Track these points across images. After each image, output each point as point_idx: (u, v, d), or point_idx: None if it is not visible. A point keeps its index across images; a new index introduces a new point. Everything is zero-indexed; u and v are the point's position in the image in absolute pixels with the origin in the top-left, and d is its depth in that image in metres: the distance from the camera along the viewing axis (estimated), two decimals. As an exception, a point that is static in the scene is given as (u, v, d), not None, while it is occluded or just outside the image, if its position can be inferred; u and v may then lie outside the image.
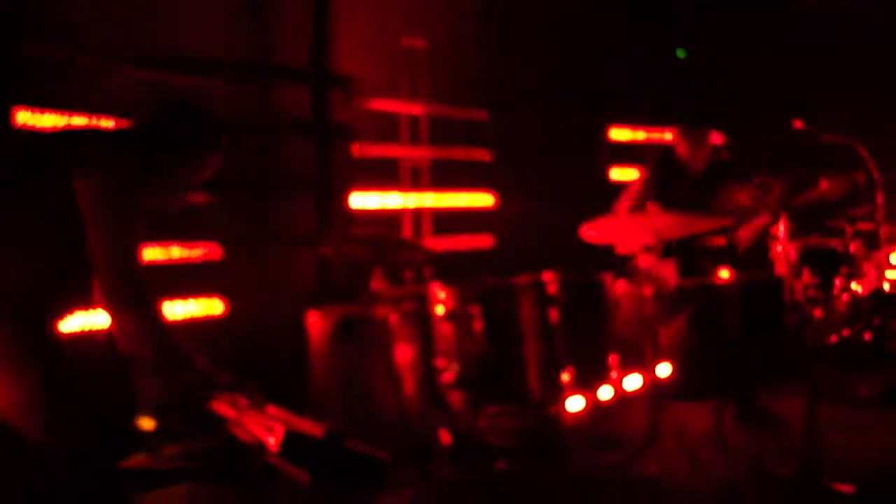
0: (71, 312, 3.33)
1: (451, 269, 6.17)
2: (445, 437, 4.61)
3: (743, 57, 8.67)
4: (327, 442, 2.84)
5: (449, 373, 4.39)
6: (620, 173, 8.53)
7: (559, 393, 4.33)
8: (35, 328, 3.16)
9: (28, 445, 3.04)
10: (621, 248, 5.96)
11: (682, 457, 4.64)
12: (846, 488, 4.18)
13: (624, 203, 6.08)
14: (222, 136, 3.52)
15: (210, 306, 5.89)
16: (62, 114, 5.05)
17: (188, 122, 3.44)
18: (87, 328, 4.83)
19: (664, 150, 6.26)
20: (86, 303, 3.29)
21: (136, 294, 3.12)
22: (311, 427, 2.96)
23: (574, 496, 4.36)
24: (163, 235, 5.61)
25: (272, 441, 2.82)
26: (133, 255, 3.15)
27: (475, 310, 4.37)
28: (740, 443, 4.91)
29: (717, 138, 6.10)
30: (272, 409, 3.25)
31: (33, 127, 4.95)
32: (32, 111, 4.96)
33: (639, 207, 5.83)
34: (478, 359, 4.35)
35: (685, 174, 6.06)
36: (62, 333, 3.30)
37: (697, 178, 6.07)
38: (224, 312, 5.94)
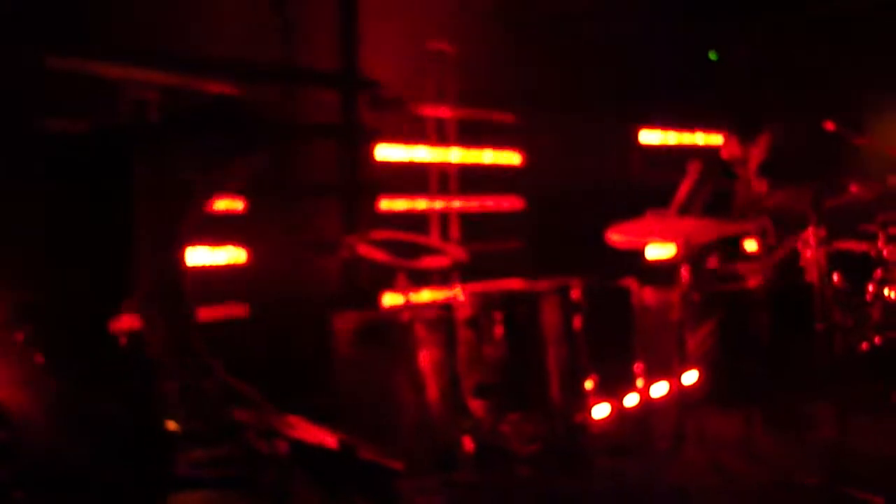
0: (115, 314, 3.33)
1: (478, 273, 6.15)
2: (468, 443, 4.59)
3: (776, 57, 8.60)
4: (340, 452, 2.82)
5: (471, 379, 4.37)
6: (650, 176, 8.47)
7: (581, 400, 4.29)
8: (78, 328, 3.17)
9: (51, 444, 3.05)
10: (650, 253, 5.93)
11: (709, 464, 4.59)
12: (876, 499, 4.10)
13: (673, 206, 6.04)
14: (265, 134, 3.51)
15: (235, 309, 5.89)
16: (91, 122, 5.06)
17: (231, 120, 3.47)
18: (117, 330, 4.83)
19: (709, 153, 6.21)
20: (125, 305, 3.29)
21: (173, 296, 3.11)
22: (325, 437, 2.95)
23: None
24: (189, 239, 5.61)
25: (286, 450, 2.81)
26: (176, 258, 3.14)
27: (497, 315, 4.34)
28: (768, 450, 4.84)
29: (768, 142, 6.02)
30: (291, 419, 3.24)
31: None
32: (59, 119, 4.98)
33: (687, 209, 5.80)
34: (499, 365, 4.32)
35: (735, 176, 6.01)
36: (112, 333, 3.31)
37: (749, 180, 6.02)
38: (249, 316, 5.93)
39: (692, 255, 5.80)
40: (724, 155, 6.08)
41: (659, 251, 5.82)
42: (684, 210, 5.89)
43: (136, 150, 3.28)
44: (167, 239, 3.22)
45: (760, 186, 6.02)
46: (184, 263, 3.47)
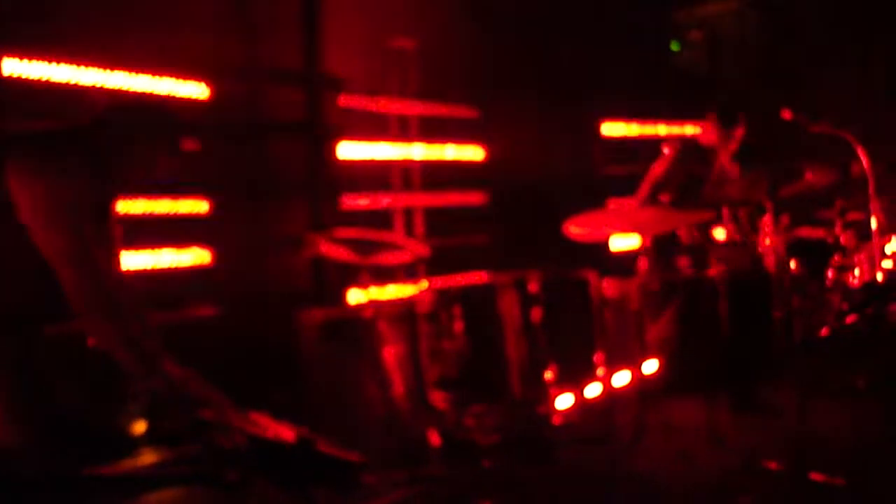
0: (54, 317, 3.33)
1: (442, 267, 6.17)
2: (434, 437, 4.62)
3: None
4: (298, 446, 2.85)
5: (432, 372, 4.40)
6: (614, 168, 8.50)
7: (541, 391, 4.32)
8: (13, 334, 3.16)
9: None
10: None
11: (672, 452, 4.63)
12: (837, 481, 4.15)
13: (640, 194, 6.06)
14: (172, 132, 3.46)
15: (202, 308, 5.88)
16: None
17: (131, 118, 3.38)
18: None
19: (686, 141, 6.24)
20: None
21: (102, 298, 3.07)
22: (284, 432, 2.97)
23: (562, 493, 4.35)
24: (154, 238, 5.61)
25: (245, 446, 2.83)
26: (91, 257, 3.08)
27: (455, 309, 4.37)
28: (731, 436, 4.88)
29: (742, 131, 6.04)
30: (252, 415, 3.26)
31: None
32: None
33: (653, 199, 5.83)
34: (459, 358, 4.35)
35: (709, 165, 6.05)
36: (45, 337, 3.30)
37: (724, 168, 6.06)
38: (216, 314, 5.93)
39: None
40: (703, 141, 6.09)
41: (621, 242, 5.85)
42: (657, 192, 5.91)
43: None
44: (96, 243, 3.19)
45: (733, 175, 6.05)
46: (118, 266, 3.45)
